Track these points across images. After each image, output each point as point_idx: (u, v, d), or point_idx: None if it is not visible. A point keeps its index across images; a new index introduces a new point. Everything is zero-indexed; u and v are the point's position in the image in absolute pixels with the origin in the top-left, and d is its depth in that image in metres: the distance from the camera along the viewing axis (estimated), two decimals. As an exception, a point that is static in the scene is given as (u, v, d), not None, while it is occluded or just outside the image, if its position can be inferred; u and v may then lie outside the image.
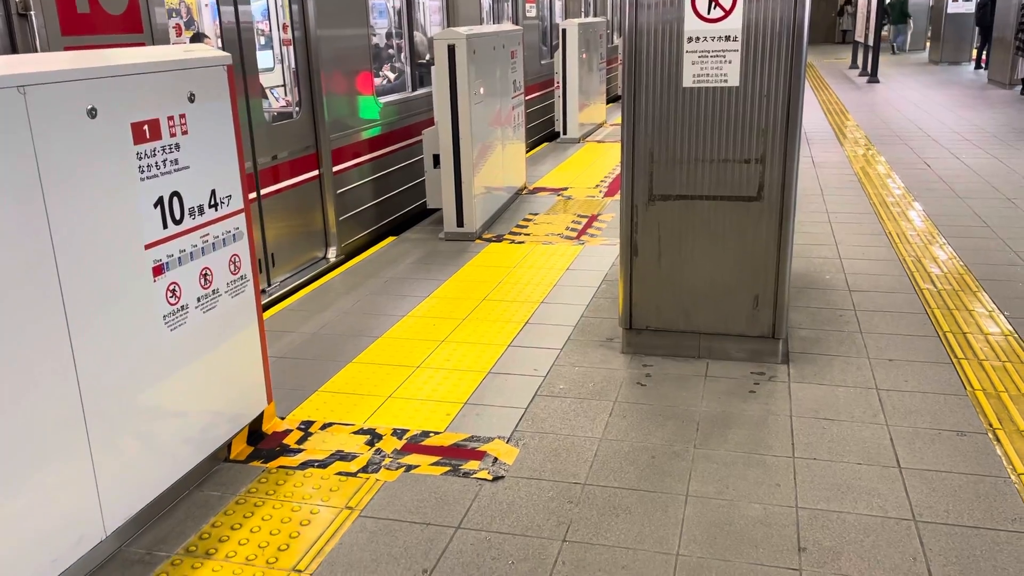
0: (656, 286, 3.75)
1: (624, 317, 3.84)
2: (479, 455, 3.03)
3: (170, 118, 2.59)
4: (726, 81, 3.45)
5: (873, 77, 16.98)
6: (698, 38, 3.44)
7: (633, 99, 3.56)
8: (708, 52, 3.44)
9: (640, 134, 3.59)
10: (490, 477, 2.88)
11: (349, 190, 5.84)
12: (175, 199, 2.64)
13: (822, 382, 3.51)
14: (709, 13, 3.41)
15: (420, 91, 7.12)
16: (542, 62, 10.85)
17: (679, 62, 3.48)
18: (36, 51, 3.20)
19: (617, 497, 2.73)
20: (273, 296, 4.93)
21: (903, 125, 10.98)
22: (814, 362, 3.72)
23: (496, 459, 2.99)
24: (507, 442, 3.11)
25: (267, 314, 4.52)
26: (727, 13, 3.39)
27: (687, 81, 3.49)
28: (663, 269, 3.72)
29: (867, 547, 2.44)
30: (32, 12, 3.17)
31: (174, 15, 3.83)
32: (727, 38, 3.41)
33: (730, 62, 3.43)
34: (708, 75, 3.46)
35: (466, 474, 2.90)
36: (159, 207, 2.58)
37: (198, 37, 5.04)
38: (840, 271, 4.96)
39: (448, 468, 2.94)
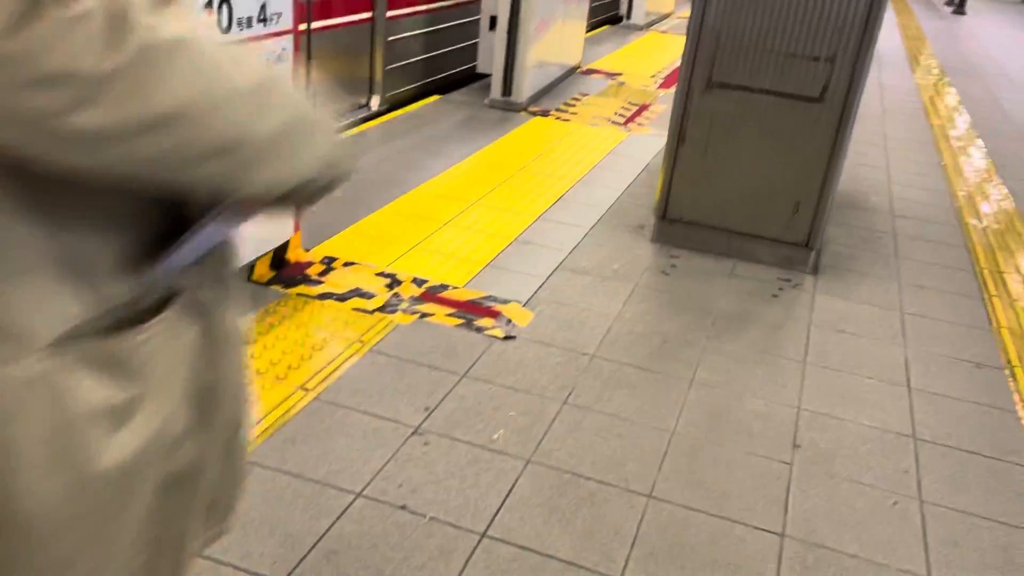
0: (698, 178, 3.67)
1: (659, 205, 3.78)
2: (494, 314, 3.05)
3: (227, -82, 2.49)
4: (810, -31, 3.24)
5: (960, 9, 16.02)
6: (789, -83, 3.21)
7: (708, -25, 3.36)
8: (797, -66, 3.22)
9: (710, 14, 3.41)
10: (501, 335, 2.91)
11: (400, 39, 5.68)
12: (224, 5, 2.57)
13: (848, 297, 3.47)
14: None
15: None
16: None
17: (764, -59, 3.26)
18: None
19: (623, 372, 2.76)
20: (311, 135, 4.89)
21: (982, 61, 10.43)
22: (843, 278, 3.66)
23: (510, 320, 3.02)
24: (523, 306, 3.13)
25: (303, 151, 4.49)
26: None
27: (769, -37, 3.28)
28: (708, 161, 3.63)
29: (862, 454, 2.46)
30: None
31: None
32: (820, -79, 3.18)
33: (818, -52, 3.21)
34: (792, -40, 3.25)
35: (479, 329, 2.94)
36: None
37: None
38: (887, 195, 4.82)
39: (462, 321, 2.98)
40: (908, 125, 6.62)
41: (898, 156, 5.66)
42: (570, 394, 2.61)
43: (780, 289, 3.49)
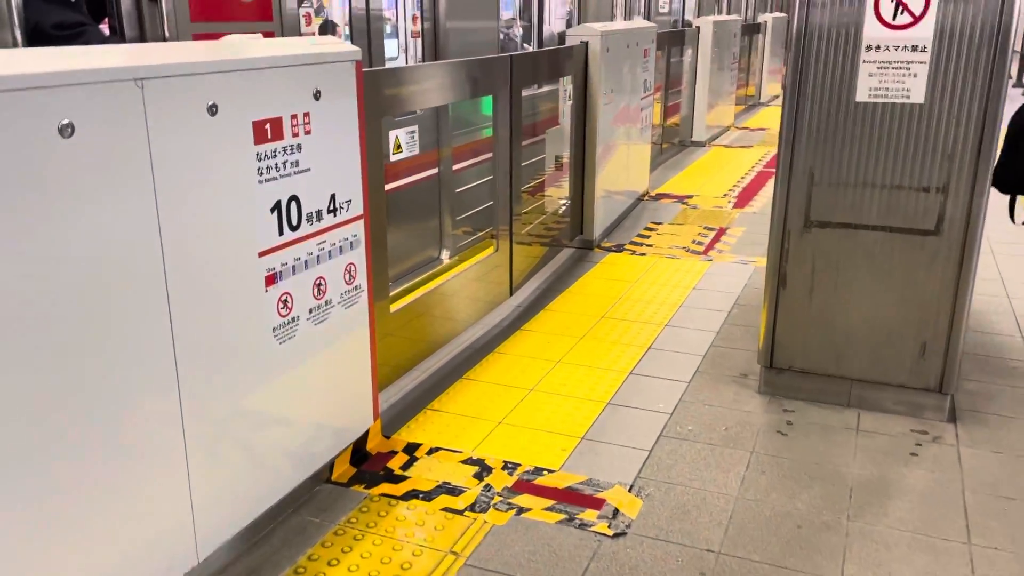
0: (805, 323, 3.34)
1: (764, 353, 3.44)
2: (598, 503, 2.72)
3: (293, 116, 2.39)
4: (908, 97, 3.00)
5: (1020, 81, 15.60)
6: (879, 47, 3.00)
7: (796, 110, 3.15)
8: (889, 63, 3.00)
9: (800, 151, 3.18)
10: (610, 532, 2.57)
11: (467, 189, 5.62)
12: (293, 204, 2.44)
13: (998, 449, 3.03)
14: (895, 19, 2.96)
15: (545, 88, 6.83)
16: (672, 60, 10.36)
17: (853, 73, 3.05)
18: (165, 36, 3.09)
19: (757, 573, 2.38)
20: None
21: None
22: (986, 423, 3.22)
23: (617, 510, 2.68)
24: (629, 490, 2.79)
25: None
26: (916, 19, 2.94)
27: (861, 95, 3.05)
28: (814, 304, 3.30)
29: None
30: (163, -4, 3.05)
31: (304, 2, 3.68)
32: (914, 48, 2.96)
33: (915, 75, 2.98)
34: (887, 89, 3.02)
35: (583, 525, 2.60)
36: (276, 212, 2.38)
37: (327, 26, 4.92)
38: (1009, 312, 4.37)
39: (563, 516, 2.65)
40: (1014, 227, 6.17)
41: (1011, 264, 5.22)
42: (701, 610, 2.23)
43: (918, 444, 3.07)
